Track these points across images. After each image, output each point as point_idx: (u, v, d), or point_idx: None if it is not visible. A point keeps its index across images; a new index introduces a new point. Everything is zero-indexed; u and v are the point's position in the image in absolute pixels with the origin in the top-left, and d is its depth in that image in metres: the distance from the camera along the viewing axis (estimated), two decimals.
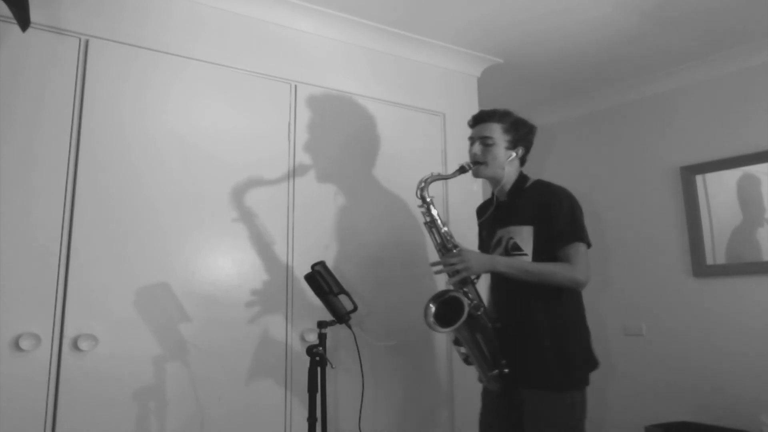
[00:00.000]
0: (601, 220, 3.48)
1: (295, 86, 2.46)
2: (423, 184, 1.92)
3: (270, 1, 2.41)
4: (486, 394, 2.02)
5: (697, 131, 3.15)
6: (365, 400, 2.13)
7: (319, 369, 1.79)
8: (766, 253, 2.84)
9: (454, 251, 1.87)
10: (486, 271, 1.89)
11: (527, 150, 2.03)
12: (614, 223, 3.43)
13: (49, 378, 1.82)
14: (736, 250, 2.96)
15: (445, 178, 1.96)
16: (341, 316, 1.86)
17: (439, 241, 1.93)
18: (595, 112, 3.64)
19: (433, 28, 2.74)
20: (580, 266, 1.84)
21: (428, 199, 1.92)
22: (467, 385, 2.67)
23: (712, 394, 2.91)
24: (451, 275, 1.86)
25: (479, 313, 1.82)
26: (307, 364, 1.79)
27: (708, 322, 2.99)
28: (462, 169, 1.94)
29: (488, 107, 2.07)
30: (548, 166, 3.76)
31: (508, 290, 1.93)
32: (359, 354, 1.96)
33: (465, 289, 1.86)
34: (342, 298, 1.88)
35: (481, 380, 1.98)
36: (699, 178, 3.11)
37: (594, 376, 1.98)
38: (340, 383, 2.30)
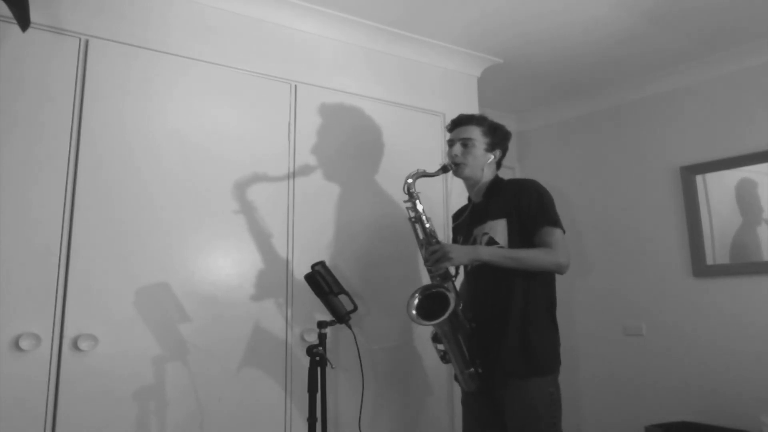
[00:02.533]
0: (601, 220, 3.48)
1: (295, 86, 2.46)
2: (410, 180, 1.97)
3: (270, 1, 2.41)
4: (466, 401, 2.03)
5: (697, 131, 3.15)
6: (365, 400, 2.13)
7: (319, 369, 1.79)
8: (766, 253, 2.85)
9: (437, 243, 1.91)
10: (469, 261, 1.91)
11: (503, 154, 2.10)
12: (614, 223, 3.43)
13: (49, 378, 1.82)
14: (737, 251, 2.96)
15: (429, 175, 2.00)
16: (341, 316, 1.87)
17: (422, 237, 1.96)
18: (595, 112, 3.64)
19: (433, 28, 2.74)
20: (560, 250, 1.87)
21: (414, 194, 1.96)
22: None
23: (712, 394, 2.91)
24: (432, 267, 1.88)
25: (460, 308, 1.85)
26: (307, 364, 1.79)
27: (708, 322, 2.99)
28: (444, 168, 2.00)
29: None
30: (548, 166, 3.76)
31: (485, 285, 1.95)
32: (359, 354, 1.96)
33: (446, 285, 1.88)
34: (342, 298, 1.89)
35: (456, 378, 1.99)
36: (699, 178, 3.11)
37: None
38: (340, 383, 2.31)
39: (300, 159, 2.41)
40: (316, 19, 2.53)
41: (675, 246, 3.16)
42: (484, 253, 1.88)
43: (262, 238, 2.27)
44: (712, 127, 3.09)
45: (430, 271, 1.92)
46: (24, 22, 1.71)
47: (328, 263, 1.92)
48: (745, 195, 2.96)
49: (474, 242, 1.99)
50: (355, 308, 1.89)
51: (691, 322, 3.05)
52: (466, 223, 2.09)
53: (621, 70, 3.24)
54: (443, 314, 1.76)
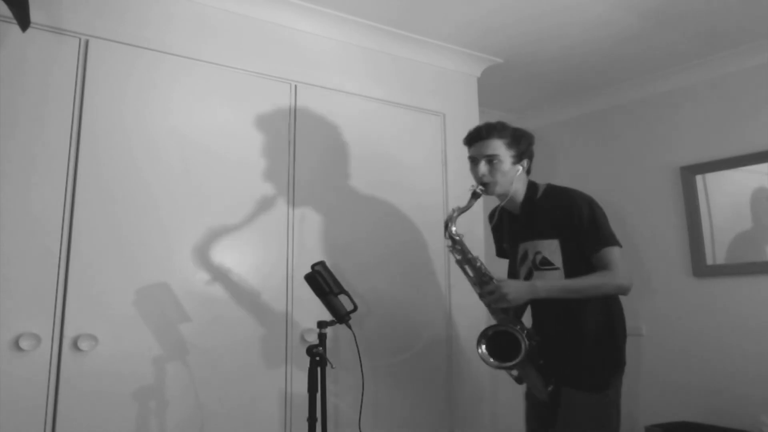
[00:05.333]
0: None
1: (295, 86, 2.46)
2: (450, 223, 1.85)
3: (270, 1, 2.41)
4: (530, 395, 2.02)
5: (697, 131, 3.15)
6: (365, 400, 2.13)
7: (319, 369, 1.79)
8: (767, 253, 2.84)
9: (492, 283, 1.83)
10: (527, 299, 1.84)
11: (531, 161, 1.99)
12: (614, 223, 3.38)
13: (49, 378, 1.82)
14: (739, 252, 2.96)
15: (465, 209, 1.86)
16: (341, 316, 1.86)
17: (473, 275, 1.88)
18: (595, 112, 3.64)
19: (433, 27, 2.74)
20: (619, 271, 1.82)
21: (458, 239, 1.86)
22: (466, 385, 2.68)
23: (712, 394, 2.91)
24: (489, 303, 1.84)
25: (527, 337, 1.81)
26: (307, 364, 1.79)
27: (708, 322, 2.99)
28: (475, 195, 1.86)
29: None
30: (548, 167, 3.75)
31: (543, 303, 1.92)
32: (359, 354, 1.96)
33: (503, 315, 1.85)
34: (342, 298, 1.88)
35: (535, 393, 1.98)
36: (699, 178, 3.11)
37: None
38: (340, 383, 2.31)
39: (300, 158, 2.40)
40: (316, 19, 2.53)
41: (675, 246, 3.16)
42: (542, 290, 1.82)
43: (262, 238, 2.26)
44: (712, 127, 3.09)
45: (488, 305, 1.87)
46: (24, 22, 1.71)
47: (327, 263, 1.92)
48: (761, 203, 2.91)
49: (524, 257, 1.95)
50: (355, 308, 1.89)
51: (691, 322, 3.05)
52: (509, 232, 2.05)
53: (621, 70, 3.24)
54: (517, 353, 1.75)
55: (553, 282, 1.85)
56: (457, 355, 2.66)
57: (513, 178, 1.92)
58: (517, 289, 1.81)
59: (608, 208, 3.46)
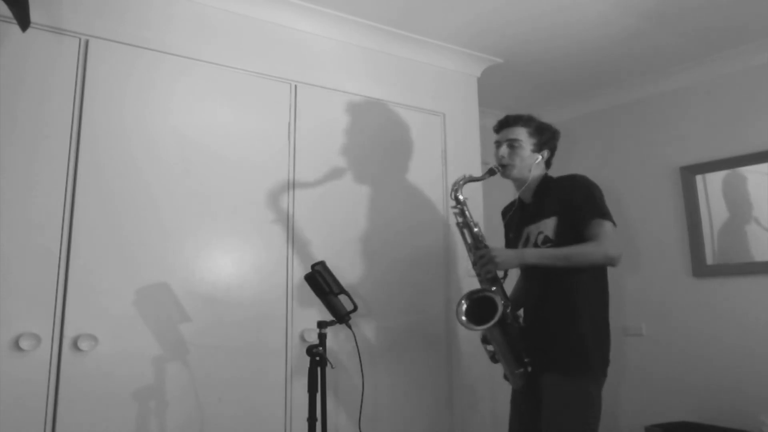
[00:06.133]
0: None
1: (295, 86, 2.46)
2: (457, 186, 1.96)
3: (270, 1, 2.41)
4: (514, 399, 2.03)
5: (697, 131, 3.15)
6: (365, 400, 2.13)
7: (319, 369, 1.79)
8: (762, 252, 2.85)
9: (484, 249, 1.90)
10: (515, 266, 1.91)
11: (552, 153, 2.08)
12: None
13: (49, 378, 1.82)
14: (726, 247, 2.97)
15: (476, 179, 2.02)
16: (341, 316, 1.86)
17: (470, 242, 1.96)
18: (594, 112, 3.64)
19: (433, 28, 2.74)
20: (608, 241, 1.84)
21: (462, 200, 1.95)
22: (467, 385, 2.68)
23: (712, 393, 2.91)
24: (479, 271, 1.89)
25: (508, 311, 1.85)
26: (307, 364, 1.79)
27: (708, 322, 2.99)
28: (491, 171, 1.98)
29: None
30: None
31: (536, 286, 1.96)
32: (359, 354, 1.96)
33: (494, 288, 1.88)
34: (342, 298, 1.88)
35: (506, 377, 2.01)
36: (699, 178, 3.11)
37: None
38: (340, 383, 2.30)
39: (300, 159, 2.40)
40: (316, 19, 2.53)
41: (675, 246, 3.16)
42: (530, 256, 1.88)
43: (262, 238, 2.26)
44: (712, 127, 3.09)
45: (478, 275, 1.93)
46: (24, 22, 1.71)
47: (328, 263, 1.92)
48: (733, 191, 2.96)
49: (527, 240, 1.99)
50: (355, 308, 1.89)
51: (691, 322, 3.05)
52: (516, 221, 2.09)
53: (621, 70, 3.24)
54: (492, 318, 1.77)
55: (541, 249, 1.90)
56: (457, 355, 2.66)
57: (531, 165, 2.01)
58: (506, 254, 1.89)
59: (609, 208, 3.41)
